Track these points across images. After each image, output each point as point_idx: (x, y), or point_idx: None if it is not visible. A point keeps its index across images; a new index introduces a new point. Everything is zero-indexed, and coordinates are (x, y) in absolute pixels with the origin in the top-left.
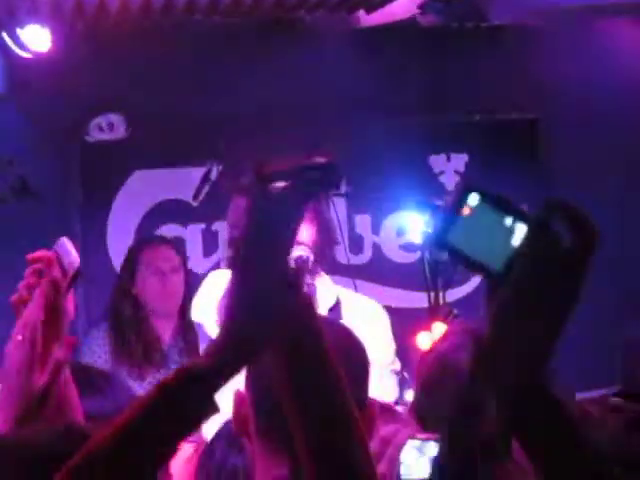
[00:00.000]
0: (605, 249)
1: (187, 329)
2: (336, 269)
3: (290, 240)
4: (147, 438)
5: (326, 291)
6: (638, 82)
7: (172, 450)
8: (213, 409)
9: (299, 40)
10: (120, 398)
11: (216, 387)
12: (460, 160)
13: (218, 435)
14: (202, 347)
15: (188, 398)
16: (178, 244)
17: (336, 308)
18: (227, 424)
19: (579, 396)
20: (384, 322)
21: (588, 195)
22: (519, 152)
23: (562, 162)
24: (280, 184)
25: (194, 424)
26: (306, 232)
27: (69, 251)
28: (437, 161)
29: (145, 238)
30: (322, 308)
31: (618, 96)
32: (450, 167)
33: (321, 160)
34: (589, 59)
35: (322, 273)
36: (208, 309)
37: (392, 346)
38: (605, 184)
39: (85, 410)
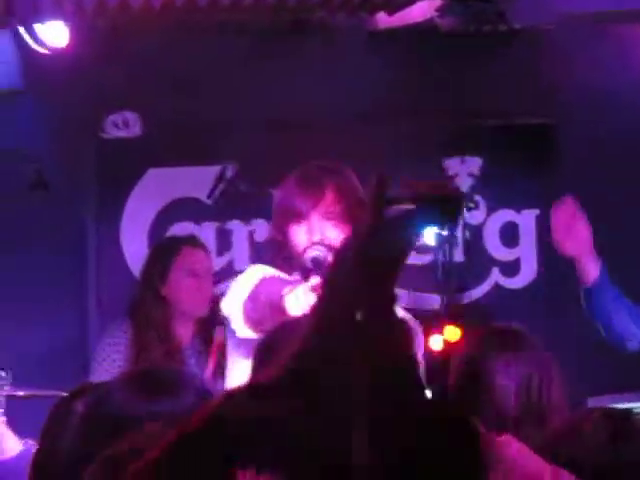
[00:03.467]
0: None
1: (208, 332)
2: None
3: (397, 265)
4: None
5: None
6: None
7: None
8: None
9: (315, 42)
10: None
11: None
12: (474, 163)
13: None
14: (229, 344)
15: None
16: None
17: None
18: None
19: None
20: (420, 339)
21: (600, 201)
22: (532, 157)
23: (575, 168)
24: (400, 207)
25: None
26: (335, 232)
27: None
28: (451, 164)
29: (179, 238)
30: None
31: (632, 103)
32: (464, 169)
33: (446, 190)
34: (604, 65)
35: None
36: (237, 303)
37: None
38: (619, 190)
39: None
